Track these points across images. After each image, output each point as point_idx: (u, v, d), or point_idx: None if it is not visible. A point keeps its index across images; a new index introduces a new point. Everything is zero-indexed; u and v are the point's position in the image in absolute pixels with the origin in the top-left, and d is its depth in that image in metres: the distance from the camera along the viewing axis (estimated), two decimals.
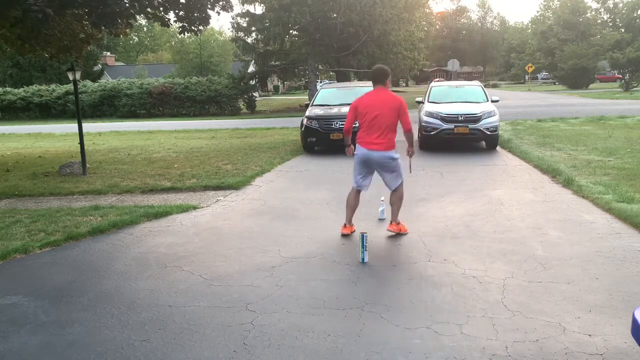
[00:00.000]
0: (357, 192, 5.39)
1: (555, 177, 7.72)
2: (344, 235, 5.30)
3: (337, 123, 10.97)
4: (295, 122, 17.56)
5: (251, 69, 31.85)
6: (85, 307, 3.81)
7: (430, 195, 7.02)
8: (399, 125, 5.11)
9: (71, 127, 20.09)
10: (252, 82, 29.71)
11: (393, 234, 5.27)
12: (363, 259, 4.49)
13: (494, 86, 56.19)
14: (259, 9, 27.89)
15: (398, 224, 5.31)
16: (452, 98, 11.67)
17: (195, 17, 10.55)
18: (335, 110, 11.47)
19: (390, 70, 5.37)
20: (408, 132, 5.17)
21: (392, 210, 5.33)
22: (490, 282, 3.99)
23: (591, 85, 46.60)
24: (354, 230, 5.36)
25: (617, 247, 4.65)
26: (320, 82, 34.49)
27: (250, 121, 22.81)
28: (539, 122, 16.38)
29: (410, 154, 5.43)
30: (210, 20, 10.74)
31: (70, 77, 9.24)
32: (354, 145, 5.38)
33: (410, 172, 5.80)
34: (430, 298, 3.74)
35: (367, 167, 5.27)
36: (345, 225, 5.39)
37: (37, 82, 32.69)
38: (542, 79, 69.22)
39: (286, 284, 4.10)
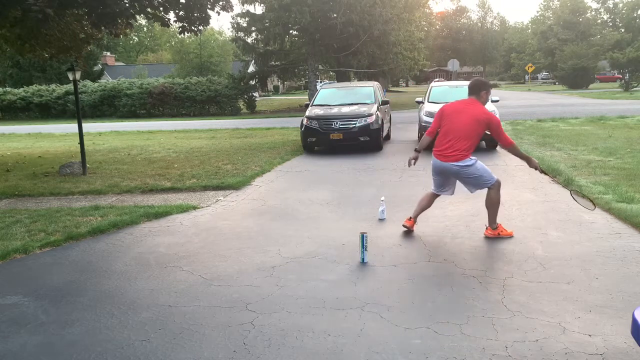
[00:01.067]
0: (432, 194, 5.33)
1: (555, 177, 7.71)
2: (404, 227, 5.28)
3: (337, 123, 10.98)
4: (295, 122, 17.56)
5: (251, 69, 31.86)
6: (85, 307, 3.81)
7: None
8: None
9: (71, 127, 20.09)
10: (252, 82, 29.72)
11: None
12: (363, 259, 4.49)
13: (494, 86, 56.18)
14: (259, 9, 27.93)
15: (495, 229, 5.09)
16: (453, 98, 11.60)
17: (195, 17, 10.55)
18: (335, 110, 11.48)
19: (488, 84, 5.19)
20: (509, 146, 4.95)
21: (489, 214, 5.13)
22: (490, 282, 3.99)
23: (591, 85, 46.59)
24: (413, 226, 5.31)
25: (617, 247, 4.65)
26: (320, 82, 34.49)
27: (250, 121, 22.81)
28: (539, 122, 16.38)
29: (534, 165, 5.02)
30: (210, 20, 10.75)
31: (70, 77, 9.25)
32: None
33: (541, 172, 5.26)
34: (430, 298, 3.74)
35: (442, 176, 5.17)
36: (410, 218, 5.34)
37: (37, 82, 32.70)
38: (542, 79, 69.23)
39: (286, 284, 4.10)
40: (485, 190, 5.14)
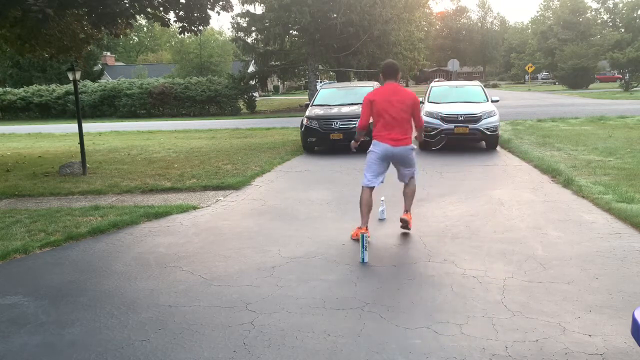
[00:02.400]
0: (370, 190, 5.23)
1: (555, 177, 7.72)
2: (355, 240, 5.04)
3: (337, 123, 10.98)
4: (295, 122, 17.56)
5: (251, 69, 31.86)
6: (85, 307, 3.81)
7: (430, 195, 7.02)
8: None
9: (71, 127, 20.09)
10: (252, 82, 29.72)
11: (403, 225, 5.33)
12: (363, 259, 4.49)
13: (494, 86, 56.19)
14: (259, 9, 27.94)
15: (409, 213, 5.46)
16: (452, 98, 11.67)
17: (195, 17, 10.55)
18: (335, 110, 11.48)
19: (399, 65, 5.49)
20: (420, 128, 5.48)
21: (407, 202, 5.45)
22: (490, 282, 3.99)
23: (591, 85, 46.58)
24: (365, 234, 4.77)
25: (617, 247, 4.65)
26: (320, 82, 34.49)
27: (250, 121, 22.82)
28: (539, 122, 16.38)
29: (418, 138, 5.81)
30: (210, 20, 10.75)
31: (70, 77, 9.25)
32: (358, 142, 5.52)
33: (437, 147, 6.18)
34: (430, 298, 3.74)
35: (386, 162, 5.25)
36: (360, 227, 5.13)
37: (37, 82, 32.70)
38: (542, 79, 69.22)
39: (286, 284, 4.10)
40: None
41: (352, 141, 5.56)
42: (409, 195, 5.44)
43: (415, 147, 5.30)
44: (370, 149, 5.25)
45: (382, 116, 5.08)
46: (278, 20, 25.75)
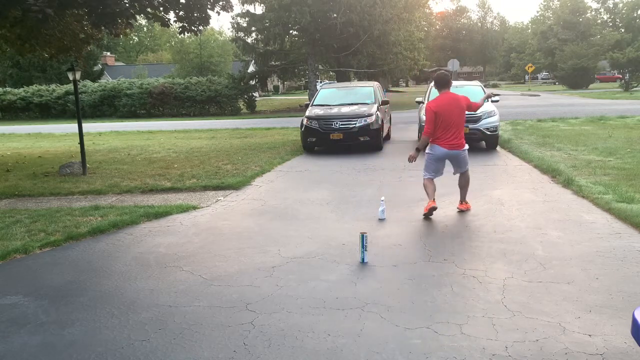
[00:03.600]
0: (432, 179, 6.02)
1: (555, 177, 7.71)
2: (429, 212, 5.78)
3: (337, 123, 10.97)
4: (295, 122, 17.56)
5: (251, 69, 31.85)
6: (85, 307, 3.81)
7: None
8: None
9: (71, 127, 20.09)
10: (252, 82, 29.71)
11: (461, 210, 6.08)
12: (363, 259, 4.50)
13: (494, 86, 56.17)
14: (259, 9, 27.92)
15: (467, 202, 6.18)
16: None
17: (195, 17, 10.55)
18: (335, 110, 11.47)
19: (450, 76, 6.12)
20: (477, 107, 6.20)
21: (462, 192, 6.19)
22: (490, 282, 3.99)
23: (591, 85, 46.58)
24: (435, 206, 5.77)
25: (617, 247, 4.65)
26: (320, 82, 34.48)
27: (250, 121, 22.82)
28: (539, 122, 16.38)
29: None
30: (210, 20, 10.75)
31: (70, 77, 9.25)
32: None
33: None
34: (430, 298, 3.74)
35: (443, 162, 6.01)
36: (432, 200, 5.83)
37: (37, 82, 32.67)
38: (542, 79, 69.22)
39: (286, 284, 4.10)
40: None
41: (415, 152, 5.99)
42: (463, 187, 6.20)
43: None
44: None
45: (442, 122, 5.75)
46: (278, 20, 25.75)
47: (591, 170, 8.03)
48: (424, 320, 3.39)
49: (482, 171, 8.62)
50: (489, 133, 10.52)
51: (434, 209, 5.77)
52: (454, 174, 6.21)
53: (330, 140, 11.03)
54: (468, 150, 6.09)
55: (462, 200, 6.20)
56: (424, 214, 5.84)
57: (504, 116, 16.04)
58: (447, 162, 6.08)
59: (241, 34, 28.54)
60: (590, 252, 4.55)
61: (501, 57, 78.14)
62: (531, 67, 50.42)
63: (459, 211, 6.08)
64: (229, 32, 66.82)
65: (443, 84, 5.87)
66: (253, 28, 28.08)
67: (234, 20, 28.27)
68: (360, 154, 10.93)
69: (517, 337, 3.14)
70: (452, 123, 5.75)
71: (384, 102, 12.41)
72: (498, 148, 10.98)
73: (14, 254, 5.02)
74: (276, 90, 62.29)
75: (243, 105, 29.94)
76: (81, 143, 9.72)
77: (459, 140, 5.84)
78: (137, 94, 28.87)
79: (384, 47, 30.00)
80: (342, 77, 31.94)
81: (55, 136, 19.02)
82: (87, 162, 9.99)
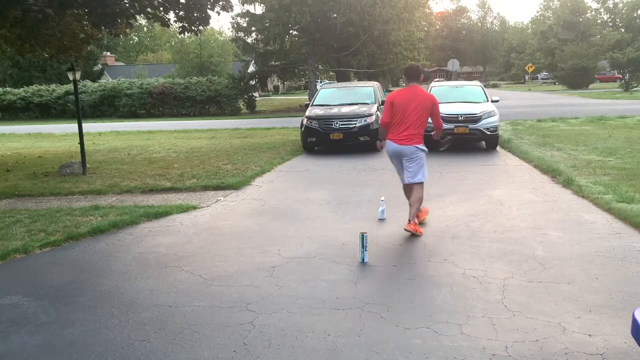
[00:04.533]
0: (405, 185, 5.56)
1: (555, 177, 7.72)
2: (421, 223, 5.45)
3: (337, 123, 10.97)
4: (295, 122, 17.56)
5: (251, 69, 31.85)
6: (85, 307, 3.81)
7: (430, 195, 7.01)
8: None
9: (71, 127, 20.09)
10: (252, 82, 29.71)
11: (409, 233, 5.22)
12: (363, 259, 4.50)
13: (494, 86, 56.18)
14: (259, 9, 27.93)
15: (416, 223, 5.31)
16: (452, 98, 11.66)
17: (195, 17, 10.55)
18: (335, 110, 11.47)
19: (421, 68, 5.66)
20: (439, 130, 5.68)
21: (411, 209, 5.32)
22: (490, 282, 3.99)
23: (591, 85, 46.59)
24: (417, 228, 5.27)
25: (617, 247, 4.65)
26: (320, 82, 34.48)
27: (250, 121, 22.81)
28: (539, 122, 16.38)
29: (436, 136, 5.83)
30: (210, 20, 10.75)
31: (70, 77, 9.25)
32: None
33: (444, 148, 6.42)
34: (430, 298, 3.74)
35: (399, 160, 5.48)
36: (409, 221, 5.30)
37: (37, 82, 32.67)
38: (542, 79, 69.22)
39: (286, 284, 4.10)
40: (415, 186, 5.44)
41: (378, 142, 5.70)
42: (414, 203, 5.33)
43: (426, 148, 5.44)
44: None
45: (397, 116, 5.32)
46: (278, 20, 25.75)
47: (591, 170, 8.03)
48: (424, 320, 3.39)
49: (482, 171, 8.62)
50: (489, 133, 10.52)
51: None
52: (404, 183, 5.51)
53: (330, 140, 11.03)
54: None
55: (411, 218, 5.25)
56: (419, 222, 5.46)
57: (504, 116, 16.05)
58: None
59: (241, 34, 28.54)
60: (590, 252, 4.55)
61: (501, 57, 78.16)
62: (531, 67, 50.43)
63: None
64: (229, 32, 66.89)
65: (411, 75, 5.41)
66: (253, 28, 28.08)
67: (234, 20, 28.31)
68: (360, 154, 10.93)
69: (517, 337, 3.14)
70: (406, 118, 5.23)
71: (384, 102, 12.41)
72: (498, 148, 10.98)
73: (14, 254, 5.02)
74: (276, 90, 62.28)
75: (243, 105, 29.94)
76: (81, 143, 9.71)
77: (410, 135, 5.24)
78: (137, 94, 28.88)
79: (384, 47, 30.00)
80: (342, 77, 31.94)
81: (55, 136, 19.02)
82: (87, 162, 9.99)
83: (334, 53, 28.93)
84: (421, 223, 5.53)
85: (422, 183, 5.39)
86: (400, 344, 3.11)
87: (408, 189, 5.47)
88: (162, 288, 4.11)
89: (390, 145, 5.38)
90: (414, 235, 5.16)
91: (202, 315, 3.59)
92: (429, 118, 5.41)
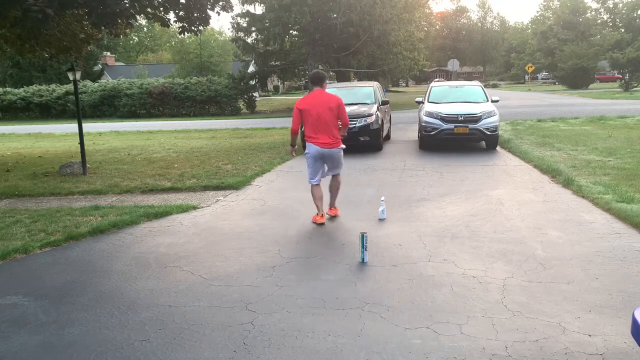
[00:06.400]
0: (317, 185, 5.98)
1: (555, 177, 7.72)
2: (320, 224, 5.75)
3: None
4: None
5: (251, 69, 31.85)
6: (85, 307, 3.81)
7: (430, 195, 7.02)
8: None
9: (71, 127, 20.10)
10: (252, 82, 29.71)
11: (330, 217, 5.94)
12: (363, 259, 4.50)
13: (494, 86, 56.18)
14: (259, 9, 27.93)
15: (336, 207, 6.11)
16: (452, 98, 11.67)
17: (195, 17, 10.55)
18: None
19: (325, 74, 6.07)
20: (345, 127, 6.01)
21: (332, 197, 6.09)
22: (490, 282, 3.99)
23: (591, 85, 46.59)
24: (323, 222, 5.79)
25: (617, 247, 4.65)
26: None
27: (250, 121, 22.82)
28: (539, 122, 16.38)
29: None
30: (210, 21, 10.75)
31: (70, 77, 9.25)
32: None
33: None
34: (430, 298, 3.74)
35: (321, 162, 5.92)
36: (321, 215, 5.86)
37: (37, 82, 32.70)
38: (542, 79, 69.25)
39: (286, 284, 4.10)
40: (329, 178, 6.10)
41: (290, 148, 6.35)
42: (334, 191, 6.09)
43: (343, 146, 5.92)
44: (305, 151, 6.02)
45: (310, 120, 5.73)
46: (278, 20, 25.75)
47: (591, 170, 8.03)
48: (424, 320, 3.39)
49: (482, 171, 8.62)
50: (488, 133, 10.52)
51: (322, 224, 5.73)
52: (323, 176, 6.03)
53: None
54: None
55: (331, 205, 6.10)
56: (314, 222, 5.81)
57: (504, 116, 16.05)
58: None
59: (241, 34, 28.54)
60: (590, 252, 4.55)
61: (501, 57, 78.20)
62: (531, 67, 50.45)
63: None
64: (229, 32, 66.90)
65: (315, 80, 5.81)
66: (253, 28, 28.08)
67: (234, 20, 28.30)
68: (360, 154, 10.93)
69: (517, 337, 3.14)
70: (319, 122, 5.66)
71: (384, 102, 12.41)
72: (498, 148, 10.98)
73: (14, 254, 5.02)
74: (276, 90, 62.28)
75: (243, 105, 29.95)
76: (81, 143, 9.72)
77: (331, 139, 5.71)
78: (137, 94, 28.89)
79: (384, 47, 30.00)
80: (342, 77, 31.94)
81: (55, 136, 19.02)
82: (87, 162, 9.99)
83: (334, 53, 28.93)
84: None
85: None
86: (400, 344, 3.11)
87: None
88: (162, 288, 4.11)
89: (314, 148, 5.81)
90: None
91: (202, 315, 3.59)
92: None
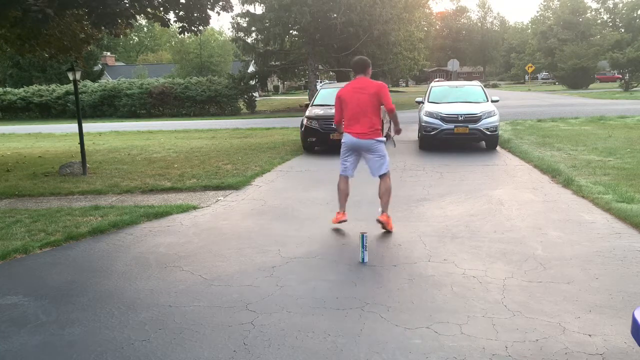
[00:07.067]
0: (345, 178, 5.64)
1: (555, 177, 7.72)
2: (342, 222, 5.52)
3: None
4: (295, 122, 17.55)
5: (251, 69, 31.85)
6: (85, 307, 3.81)
7: (430, 195, 7.02)
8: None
9: (71, 127, 20.10)
10: (252, 82, 29.71)
11: (380, 225, 5.31)
12: (363, 259, 4.50)
13: (494, 86, 56.18)
14: (259, 9, 27.92)
15: (388, 216, 5.42)
16: (452, 98, 11.67)
17: (195, 17, 10.54)
18: (334, 111, 11.45)
19: (369, 60, 5.48)
20: (391, 112, 5.33)
21: (382, 202, 5.46)
22: (490, 282, 3.99)
23: (591, 85, 46.59)
24: (344, 219, 5.54)
25: (617, 247, 4.65)
26: (320, 82, 34.49)
27: (250, 121, 22.81)
28: (539, 122, 16.38)
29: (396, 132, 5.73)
30: (210, 21, 10.74)
31: (70, 77, 9.24)
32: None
33: (395, 146, 6.36)
34: (430, 298, 3.74)
35: (355, 155, 5.52)
36: (342, 211, 5.58)
37: (37, 82, 32.70)
38: (542, 79, 69.27)
39: (286, 284, 4.10)
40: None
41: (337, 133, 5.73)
42: (383, 195, 5.46)
43: (384, 139, 5.48)
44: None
45: (347, 109, 5.35)
46: (278, 20, 25.75)
47: (591, 170, 8.03)
48: (424, 320, 3.39)
49: (482, 171, 8.62)
50: (488, 133, 10.52)
51: (343, 221, 5.53)
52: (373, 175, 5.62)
53: (330, 140, 11.03)
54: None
55: (383, 210, 5.42)
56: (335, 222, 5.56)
57: (503, 116, 16.05)
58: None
59: (241, 34, 28.53)
60: (590, 252, 4.55)
61: (501, 57, 78.21)
62: (531, 67, 50.46)
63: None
64: (229, 32, 66.93)
65: (357, 68, 5.39)
66: (253, 28, 28.07)
67: (234, 20, 28.30)
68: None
69: (517, 337, 3.14)
70: (356, 110, 5.27)
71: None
72: (498, 148, 10.98)
73: (14, 254, 5.02)
74: (276, 90, 62.30)
75: (243, 105, 29.96)
76: (81, 143, 9.71)
77: (367, 128, 5.28)
78: (137, 94, 28.89)
79: (384, 47, 29.99)
80: (342, 77, 31.92)
81: (55, 136, 19.02)
82: (87, 162, 9.98)
83: (334, 53, 28.93)
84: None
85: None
86: (400, 344, 3.11)
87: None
88: (162, 288, 4.11)
89: (349, 138, 5.42)
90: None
91: (202, 315, 3.59)
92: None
